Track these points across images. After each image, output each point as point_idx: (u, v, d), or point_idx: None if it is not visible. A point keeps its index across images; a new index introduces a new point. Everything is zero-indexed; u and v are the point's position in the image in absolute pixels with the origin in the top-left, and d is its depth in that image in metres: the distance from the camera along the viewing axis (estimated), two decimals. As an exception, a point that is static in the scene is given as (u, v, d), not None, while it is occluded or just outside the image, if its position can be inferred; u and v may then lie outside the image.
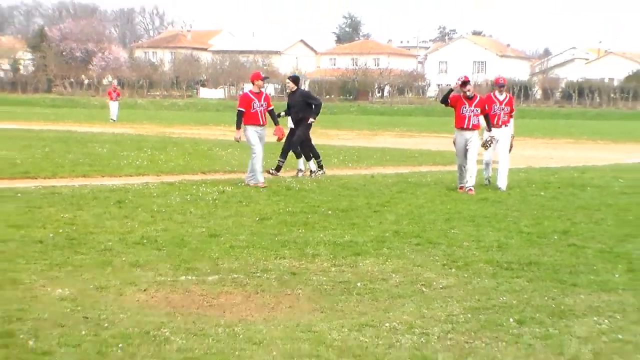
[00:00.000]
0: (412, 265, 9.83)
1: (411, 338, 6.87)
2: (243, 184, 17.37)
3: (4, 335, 6.66)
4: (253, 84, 18.28)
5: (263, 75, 18.92)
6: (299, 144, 19.94)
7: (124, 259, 9.73)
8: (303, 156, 20.08)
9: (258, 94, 17.98)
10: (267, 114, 18.10)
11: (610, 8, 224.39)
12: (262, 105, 17.84)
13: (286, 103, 20.71)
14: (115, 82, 63.87)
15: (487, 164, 18.27)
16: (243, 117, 17.76)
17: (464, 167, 17.08)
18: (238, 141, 18.46)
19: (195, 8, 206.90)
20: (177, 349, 6.41)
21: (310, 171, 19.98)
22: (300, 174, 19.87)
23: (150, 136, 35.40)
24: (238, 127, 18.03)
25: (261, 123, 17.84)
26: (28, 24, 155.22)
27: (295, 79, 21.28)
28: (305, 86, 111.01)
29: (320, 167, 20.21)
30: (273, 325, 7.18)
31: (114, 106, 51.54)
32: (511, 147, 18.29)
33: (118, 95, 53.79)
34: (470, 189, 16.94)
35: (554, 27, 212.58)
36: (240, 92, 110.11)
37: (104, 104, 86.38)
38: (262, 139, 17.88)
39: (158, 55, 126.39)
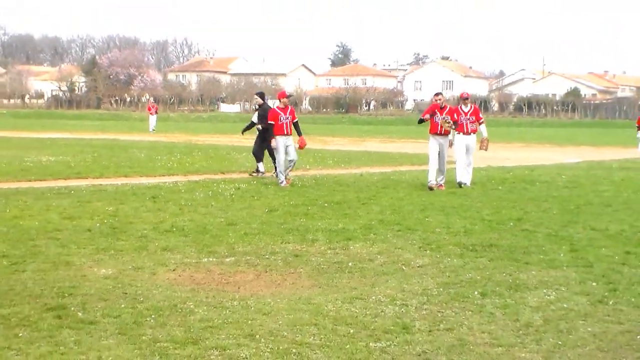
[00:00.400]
0: (394, 248, 9.72)
1: (393, 308, 6.77)
2: (275, 180, 17.24)
3: (58, 307, 6.58)
4: (280, 100, 17.71)
5: (288, 94, 18.39)
6: (264, 149, 19.21)
7: (156, 244, 9.64)
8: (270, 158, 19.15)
9: (284, 109, 17.43)
10: (292, 125, 17.49)
11: (553, 36, 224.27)
12: (287, 118, 17.27)
13: (256, 114, 19.72)
14: (152, 99, 62.51)
15: (461, 166, 17.64)
16: (273, 128, 17.22)
17: (437, 166, 16.73)
18: (274, 146, 17.40)
19: (217, 39, 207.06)
20: (199, 319, 6.30)
21: (257, 170, 19.51)
22: (258, 175, 19.36)
23: (180, 143, 35.34)
24: (272, 136, 17.34)
25: (286, 133, 17.19)
26: (82, 54, 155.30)
27: (261, 95, 20.74)
28: (305, 102, 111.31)
29: (257, 171, 19.54)
30: (279, 298, 7.08)
31: (152, 119, 50.17)
32: (487, 147, 18.70)
33: (156, 110, 52.31)
34: (441, 185, 16.71)
35: (507, 52, 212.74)
36: (254, 107, 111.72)
37: (143, 117, 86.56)
38: (289, 146, 17.22)
39: (186, 78, 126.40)
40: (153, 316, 6.36)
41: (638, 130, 17.75)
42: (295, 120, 17.61)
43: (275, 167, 17.83)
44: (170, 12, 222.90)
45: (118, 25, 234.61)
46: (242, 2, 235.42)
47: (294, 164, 17.58)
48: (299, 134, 17.69)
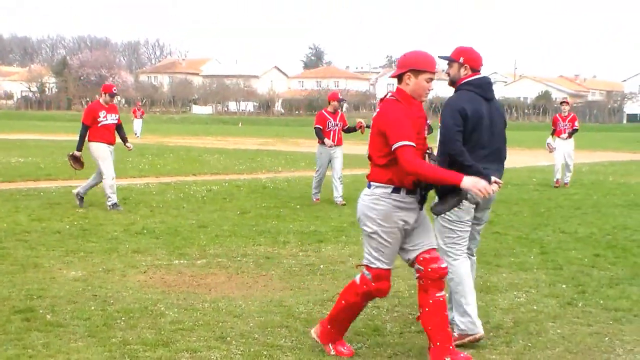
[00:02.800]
0: (366, 250, 9.73)
1: (365, 311, 6.73)
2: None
3: (27, 310, 6.51)
4: (329, 103, 14.98)
5: (340, 97, 15.11)
6: None
7: (127, 246, 9.58)
8: None
9: (334, 114, 14.78)
10: (341, 133, 14.88)
11: (524, 39, 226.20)
12: (336, 125, 14.67)
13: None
14: (138, 101, 57.27)
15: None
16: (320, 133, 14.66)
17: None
18: (330, 146, 14.60)
19: (189, 41, 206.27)
20: (170, 322, 6.27)
21: None
22: None
23: (151, 145, 35.15)
24: (319, 140, 14.73)
25: (332, 143, 14.61)
26: (53, 54, 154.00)
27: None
28: (278, 104, 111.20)
29: None
30: (250, 300, 7.07)
31: (137, 123, 45.52)
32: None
33: (142, 113, 47.94)
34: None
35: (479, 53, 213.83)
36: (226, 109, 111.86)
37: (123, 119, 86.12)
38: (336, 159, 14.68)
39: (158, 79, 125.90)
40: (123, 318, 6.32)
41: (552, 134, 17.56)
42: (347, 127, 14.86)
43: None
44: (142, 13, 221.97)
45: (89, 25, 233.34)
46: (214, 4, 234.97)
47: (341, 180, 14.77)
48: (352, 130, 14.84)
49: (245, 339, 5.85)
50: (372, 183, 5.43)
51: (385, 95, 5.49)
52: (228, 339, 5.85)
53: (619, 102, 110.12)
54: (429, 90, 5.42)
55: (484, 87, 6.08)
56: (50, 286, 7.40)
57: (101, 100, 13.27)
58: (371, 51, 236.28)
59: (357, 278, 5.51)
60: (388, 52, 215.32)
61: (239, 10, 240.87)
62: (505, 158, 6.21)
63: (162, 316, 6.44)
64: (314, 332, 5.74)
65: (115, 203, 12.99)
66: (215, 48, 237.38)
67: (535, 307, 7.02)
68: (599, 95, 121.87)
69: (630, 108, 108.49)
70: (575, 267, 8.81)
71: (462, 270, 5.97)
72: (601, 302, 7.23)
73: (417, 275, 5.47)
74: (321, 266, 8.70)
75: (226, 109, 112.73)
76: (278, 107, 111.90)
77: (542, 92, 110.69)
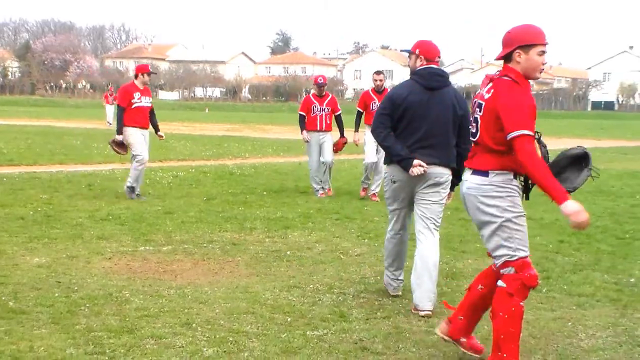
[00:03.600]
0: (332, 236, 9.76)
1: (331, 297, 6.80)
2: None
3: (-12, 297, 6.43)
4: (315, 85, 14.08)
5: (319, 81, 14.05)
6: None
7: (92, 232, 9.50)
8: None
9: (321, 98, 13.81)
10: (331, 119, 13.91)
11: (491, 26, 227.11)
12: (324, 110, 13.68)
13: None
14: (112, 87, 51.45)
15: None
16: (304, 121, 13.83)
17: (373, 164, 13.35)
18: (307, 141, 13.83)
19: (155, 26, 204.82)
20: (135, 308, 6.24)
21: None
22: None
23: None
24: (302, 130, 13.90)
25: (320, 128, 13.67)
26: (16, 38, 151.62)
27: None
28: (245, 90, 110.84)
29: None
30: (216, 287, 7.05)
31: (110, 110, 41.73)
32: None
33: (115, 98, 45.54)
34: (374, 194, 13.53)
35: (446, 41, 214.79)
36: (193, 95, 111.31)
37: (79, 104, 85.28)
38: (324, 143, 13.72)
39: (124, 64, 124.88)
40: (87, 305, 6.27)
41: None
42: (338, 113, 13.97)
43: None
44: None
45: (53, 9, 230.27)
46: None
47: (329, 168, 13.83)
48: (341, 132, 13.99)
49: (211, 325, 5.84)
50: (489, 171, 4.98)
51: (495, 75, 5.09)
52: (194, 325, 5.83)
53: (583, 89, 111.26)
54: (544, 64, 4.98)
55: (426, 77, 6.44)
56: (13, 273, 7.32)
57: (136, 82, 12.64)
58: (339, 37, 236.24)
59: (501, 283, 5.00)
60: (355, 38, 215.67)
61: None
62: (447, 145, 6.47)
63: (127, 303, 6.40)
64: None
65: (133, 188, 12.52)
66: (181, 33, 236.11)
67: (500, 293, 7.06)
68: (565, 82, 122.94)
69: (594, 95, 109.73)
70: (540, 253, 8.90)
71: (389, 243, 6.95)
72: (565, 287, 7.31)
73: (506, 275, 5.02)
74: (288, 252, 8.70)
75: (193, 94, 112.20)
76: (245, 93, 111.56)
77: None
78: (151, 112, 12.80)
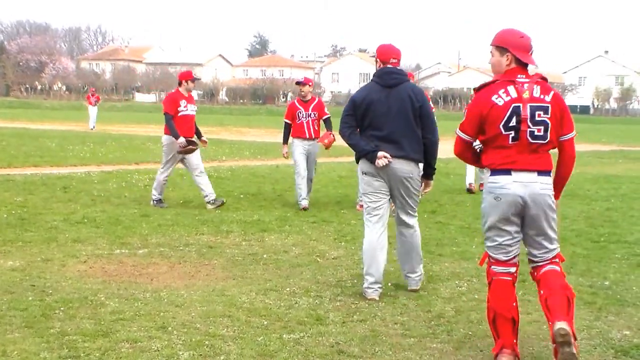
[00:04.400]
0: (309, 239, 9.76)
1: (307, 300, 6.80)
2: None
3: (-39, 301, 6.37)
4: (301, 90, 12.83)
5: (301, 80, 12.85)
6: None
7: (67, 235, 9.44)
8: None
9: (306, 103, 12.68)
10: (319, 124, 12.80)
11: (468, 30, 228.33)
12: (310, 115, 12.58)
13: None
14: (93, 88, 47.69)
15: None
16: (290, 129, 12.73)
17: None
18: (285, 157, 13.18)
19: (132, 28, 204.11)
20: (110, 312, 6.20)
21: None
22: None
23: (93, 133, 34.75)
24: (284, 142, 12.95)
25: (308, 136, 12.54)
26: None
27: None
28: (222, 93, 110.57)
29: None
30: (192, 290, 7.02)
31: (92, 112, 39.82)
32: None
33: (98, 99, 41.46)
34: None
35: (423, 45, 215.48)
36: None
37: (55, 106, 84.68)
38: (310, 155, 12.66)
39: (100, 66, 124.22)
40: (62, 309, 6.23)
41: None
42: (325, 117, 12.77)
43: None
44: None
45: (28, 10, 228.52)
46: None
47: (311, 180, 12.89)
48: (328, 128, 12.65)
49: (187, 329, 5.82)
50: (550, 171, 5.27)
51: (536, 77, 5.34)
52: (169, 328, 5.81)
53: (559, 93, 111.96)
54: None
55: (382, 77, 7.00)
56: (-13, 276, 7.25)
57: (181, 89, 12.19)
58: (316, 40, 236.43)
59: (555, 267, 5.39)
60: (333, 41, 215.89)
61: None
62: (409, 137, 6.89)
63: (102, 306, 6.36)
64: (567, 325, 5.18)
65: (160, 200, 12.31)
66: (158, 35, 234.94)
67: (476, 296, 7.10)
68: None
69: (570, 99, 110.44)
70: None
71: (367, 238, 7.07)
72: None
73: (557, 262, 5.43)
74: (264, 255, 8.68)
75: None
76: (222, 95, 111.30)
77: (485, 83, 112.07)
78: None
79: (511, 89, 5.20)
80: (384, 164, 6.81)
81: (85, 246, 8.88)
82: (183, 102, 12.08)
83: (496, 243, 5.35)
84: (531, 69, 5.34)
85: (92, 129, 38.03)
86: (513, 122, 5.15)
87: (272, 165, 20.49)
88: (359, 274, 7.87)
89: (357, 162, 7.15)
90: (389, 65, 7.04)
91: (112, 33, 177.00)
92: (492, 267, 5.39)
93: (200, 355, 5.27)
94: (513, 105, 5.16)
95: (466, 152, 5.54)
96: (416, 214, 7.26)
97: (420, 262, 7.31)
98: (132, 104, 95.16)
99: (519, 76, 5.23)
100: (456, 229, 10.84)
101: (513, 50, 5.26)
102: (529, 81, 5.23)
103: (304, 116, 12.58)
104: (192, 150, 12.18)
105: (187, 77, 12.25)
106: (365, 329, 6.01)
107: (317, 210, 12.10)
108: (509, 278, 5.34)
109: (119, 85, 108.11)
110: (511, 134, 5.17)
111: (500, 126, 5.18)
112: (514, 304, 5.33)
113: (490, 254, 5.41)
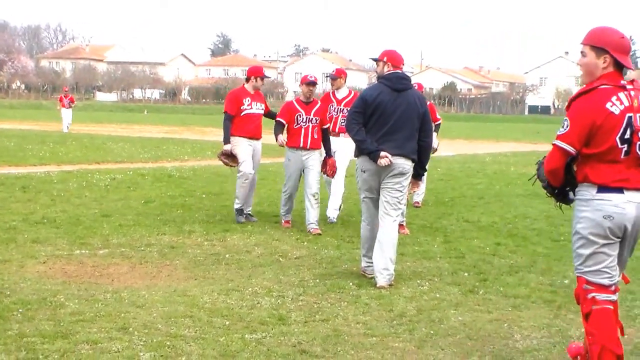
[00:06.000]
0: (272, 239, 9.75)
1: (270, 300, 6.79)
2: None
3: None
4: (303, 87, 10.68)
5: (309, 78, 10.55)
6: None
7: (26, 236, 9.32)
8: None
9: (308, 104, 10.61)
10: (319, 133, 10.58)
11: (430, 30, 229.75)
12: (311, 120, 10.46)
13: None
14: (66, 87, 43.09)
15: None
16: (284, 134, 10.68)
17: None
18: (282, 145, 10.75)
19: (93, 26, 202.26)
20: (70, 313, 6.14)
21: None
22: None
23: (53, 132, 34.35)
24: (277, 134, 10.66)
25: (304, 145, 10.47)
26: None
27: None
28: (184, 92, 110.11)
29: None
30: (154, 291, 6.98)
31: (66, 114, 36.17)
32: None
33: (72, 101, 37.48)
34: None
35: (386, 45, 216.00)
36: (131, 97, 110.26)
37: (14, 105, 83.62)
38: (309, 169, 10.53)
39: (61, 65, 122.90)
40: (20, 310, 6.15)
41: None
42: (326, 126, 10.69)
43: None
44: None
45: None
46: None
47: (317, 199, 10.52)
48: (328, 152, 10.69)
49: (148, 330, 5.78)
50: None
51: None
52: (130, 329, 5.77)
53: (521, 93, 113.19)
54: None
55: (393, 80, 7.58)
56: (-56, 278, 7.14)
57: (247, 86, 11.08)
58: (279, 40, 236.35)
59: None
60: (296, 41, 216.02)
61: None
62: (409, 138, 7.49)
63: (61, 307, 6.30)
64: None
65: (241, 210, 11.04)
66: (120, 34, 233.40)
67: (438, 295, 7.15)
68: (502, 87, 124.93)
69: (531, 100, 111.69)
70: (477, 256, 9.01)
71: (365, 230, 7.80)
72: (501, 289, 7.42)
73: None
74: (226, 255, 8.66)
75: (131, 96, 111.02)
76: (185, 95, 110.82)
77: (447, 82, 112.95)
78: (268, 114, 11.23)
79: (622, 96, 4.70)
80: (386, 164, 7.35)
81: (44, 247, 8.78)
82: (247, 100, 10.93)
83: (598, 267, 4.80)
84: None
85: (67, 131, 34.99)
86: (627, 134, 4.68)
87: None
88: (321, 273, 7.89)
89: (356, 157, 7.72)
90: (399, 71, 7.66)
91: (72, 31, 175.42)
92: (594, 294, 4.82)
93: (162, 356, 5.24)
94: (627, 115, 4.68)
95: (562, 168, 4.88)
96: (399, 213, 7.75)
97: (394, 261, 7.54)
98: (93, 103, 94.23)
99: (621, 82, 4.73)
100: (418, 228, 10.89)
101: (613, 52, 4.73)
102: (633, 88, 4.76)
103: (304, 120, 10.49)
104: (227, 164, 11.31)
105: (256, 73, 11.20)
106: (328, 328, 6.02)
107: (278, 209, 12.06)
108: (612, 307, 4.85)
109: (80, 85, 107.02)
110: (624, 147, 4.68)
111: (617, 138, 4.68)
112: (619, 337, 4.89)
113: (590, 279, 4.82)
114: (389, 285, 7.37)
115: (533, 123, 79.21)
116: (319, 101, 10.86)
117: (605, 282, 4.81)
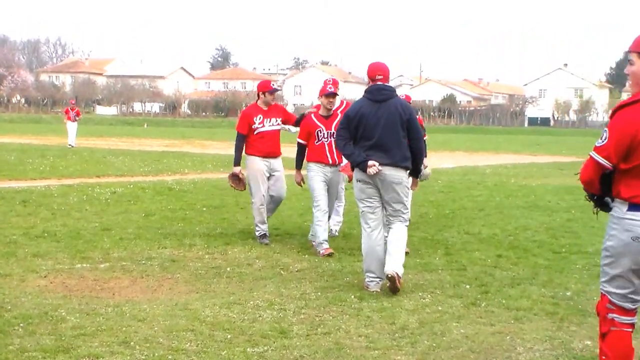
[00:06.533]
0: (273, 252, 9.73)
1: (271, 313, 6.77)
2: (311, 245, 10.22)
3: None
4: (322, 99, 10.01)
5: (329, 89, 9.84)
6: None
7: (26, 250, 9.32)
8: None
9: (327, 119, 10.05)
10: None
11: (430, 43, 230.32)
12: (333, 135, 9.66)
13: None
14: (73, 100, 43.04)
15: None
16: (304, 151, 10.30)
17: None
18: (300, 185, 10.70)
19: (93, 40, 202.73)
20: (71, 327, 6.12)
21: None
22: None
23: (53, 146, 34.38)
24: (297, 167, 10.51)
25: (329, 161, 10.00)
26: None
27: None
28: (184, 105, 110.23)
29: None
30: (155, 304, 6.97)
31: (71, 128, 34.57)
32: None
33: (78, 114, 35.90)
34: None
35: (385, 58, 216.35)
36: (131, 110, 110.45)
37: (14, 119, 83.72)
38: (332, 186, 10.14)
39: (60, 79, 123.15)
40: (21, 325, 6.14)
41: None
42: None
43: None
44: (43, 10, 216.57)
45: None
46: (118, 3, 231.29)
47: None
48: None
49: (150, 344, 5.77)
50: None
51: None
52: (132, 343, 5.75)
53: (520, 105, 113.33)
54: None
55: (373, 93, 7.80)
56: (-56, 292, 7.13)
57: (259, 103, 10.55)
58: (278, 53, 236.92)
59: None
60: (295, 54, 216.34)
61: (144, 10, 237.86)
62: (397, 147, 7.64)
63: (62, 322, 6.28)
64: None
65: (264, 234, 10.39)
66: (119, 48, 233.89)
67: (440, 308, 7.13)
68: (502, 99, 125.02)
69: (531, 111, 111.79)
70: (479, 268, 9.00)
71: (365, 242, 7.84)
72: (503, 301, 7.40)
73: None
74: (228, 269, 8.64)
75: (131, 109, 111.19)
76: (184, 108, 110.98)
77: (447, 95, 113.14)
78: (296, 123, 10.53)
79: None
80: (375, 172, 7.54)
81: (45, 260, 8.77)
82: (258, 118, 10.35)
83: (623, 292, 4.62)
84: None
85: (71, 146, 33.49)
86: None
87: (235, 178, 20.42)
88: (323, 286, 7.88)
89: (352, 170, 7.93)
90: (378, 83, 7.80)
91: (72, 45, 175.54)
92: (613, 315, 4.69)
93: (163, 370, 5.22)
94: None
95: (597, 180, 4.63)
96: (406, 218, 7.93)
97: (402, 267, 7.72)
98: (92, 117, 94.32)
99: None
100: (419, 240, 10.88)
101: None
102: None
103: (326, 136, 9.96)
104: (233, 187, 11.01)
105: (263, 88, 10.55)
106: (330, 341, 6.00)
107: (280, 223, 12.08)
108: (631, 330, 4.72)
109: (79, 98, 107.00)
110: None
111: None
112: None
113: (613, 300, 4.67)
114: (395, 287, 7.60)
115: (533, 135, 79.31)
116: (339, 113, 9.89)
117: (629, 306, 4.66)
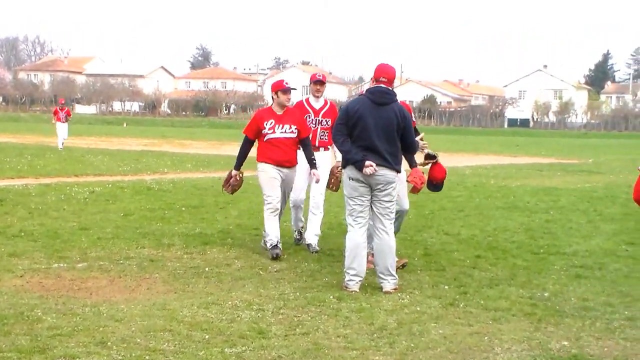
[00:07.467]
0: (252, 252, 9.71)
1: (250, 313, 6.76)
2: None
3: None
4: (312, 85, 9.98)
5: (318, 76, 9.96)
6: None
7: (2, 249, 9.24)
8: None
9: (318, 108, 10.05)
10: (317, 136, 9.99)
11: (410, 43, 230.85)
12: (320, 122, 9.98)
13: None
14: (61, 99, 41.45)
15: None
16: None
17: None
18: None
19: (72, 38, 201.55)
20: (47, 327, 6.08)
21: None
22: None
23: (31, 145, 34.19)
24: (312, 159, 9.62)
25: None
26: None
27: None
28: (164, 105, 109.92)
29: None
30: (133, 304, 6.93)
31: (61, 129, 32.63)
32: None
33: (68, 114, 34.19)
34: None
35: (366, 58, 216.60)
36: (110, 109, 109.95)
37: (15, 118, 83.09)
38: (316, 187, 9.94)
39: (39, 77, 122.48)
40: (-3, 325, 6.09)
41: None
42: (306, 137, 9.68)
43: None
44: (21, 8, 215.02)
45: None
46: (97, 1, 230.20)
47: (320, 210, 10.31)
48: (311, 162, 9.59)
49: (127, 344, 5.74)
50: None
51: None
52: (109, 344, 5.72)
53: (500, 106, 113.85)
54: None
55: (375, 94, 7.85)
56: None
57: (273, 106, 9.62)
58: (259, 53, 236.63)
59: None
60: (276, 53, 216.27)
61: (124, 8, 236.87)
62: (392, 150, 7.77)
63: (39, 322, 6.24)
64: None
65: (275, 245, 9.32)
66: (99, 46, 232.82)
67: (418, 308, 7.15)
68: (482, 100, 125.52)
69: (510, 113, 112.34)
70: (458, 269, 9.02)
71: (352, 238, 7.89)
72: (481, 302, 7.43)
73: None
74: (206, 269, 8.62)
75: (110, 108, 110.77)
76: (164, 107, 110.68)
77: (427, 95, 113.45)
78: (303, 142, 9.57)
79: None
80: (371, 172, 7.64)
81: (21, 260, 8.70)
82: (269, 123, 9.46)
83: None
84: None
85: (62, 147, 31.62)
86: None
87: (215, 177, 20.37)
88: (301, 287, 7.87)
89: (344, 168, 7.93)
90: (381, 85, 7.85)
91: (51, 44, 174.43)
92: None
93: (140, 370, 5.20)
94: None
95: None
96: (393, 219, 8.04)
97: (394, 267, 7.91)
98: (72, 116, 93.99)
99: None
100: (398, 241, 10.77)
101: None
102: None
103: (311, 121, 9.95)
104: (223, 188, 10.13)
105: (276, 87, 9.61)
106: (308, 342, 6.00)
107: (259, 223, 12.01)
108: None
109: (58, 97, 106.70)
110: None
111: None
112: None
113: None
114: (394, 289, 7.74)
115: (512, 136, 79.68)
116: (328, 101, 10.04)
117: None
